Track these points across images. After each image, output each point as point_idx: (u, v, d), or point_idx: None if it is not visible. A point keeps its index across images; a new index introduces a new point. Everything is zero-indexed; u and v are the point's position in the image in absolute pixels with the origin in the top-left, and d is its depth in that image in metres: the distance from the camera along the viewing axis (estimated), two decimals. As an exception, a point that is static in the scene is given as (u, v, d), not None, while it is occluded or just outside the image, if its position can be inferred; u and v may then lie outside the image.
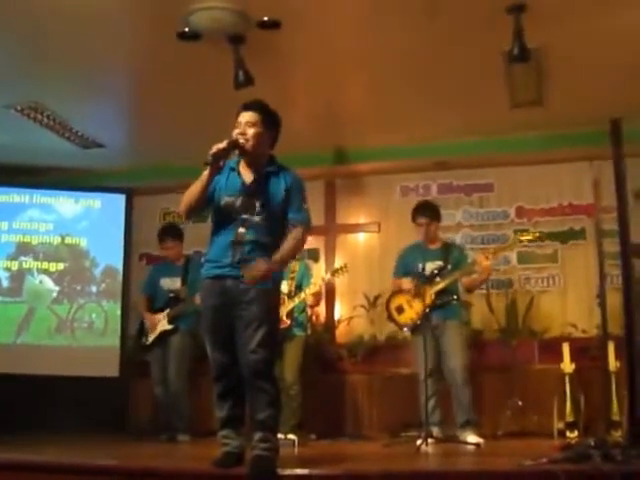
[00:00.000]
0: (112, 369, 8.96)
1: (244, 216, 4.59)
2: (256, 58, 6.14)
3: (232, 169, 4.72)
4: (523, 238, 7.07)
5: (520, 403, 7.38)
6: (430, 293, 6.69)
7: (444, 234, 7.64)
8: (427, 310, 6.66)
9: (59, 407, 8.36)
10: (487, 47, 6.25)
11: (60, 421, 8.04)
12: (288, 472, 4.42)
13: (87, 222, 9.39)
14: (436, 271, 6.74)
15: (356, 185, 8.94)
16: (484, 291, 8.08)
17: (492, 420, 7.30)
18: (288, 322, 7.14)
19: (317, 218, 8.88)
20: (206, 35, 5.92)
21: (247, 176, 4.71)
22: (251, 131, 4.59)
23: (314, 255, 8.84)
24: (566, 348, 7.27)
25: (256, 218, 4.59)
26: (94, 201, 9.44)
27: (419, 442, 5.77)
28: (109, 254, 9.37)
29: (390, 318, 7.04)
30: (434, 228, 7.05)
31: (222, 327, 4.59)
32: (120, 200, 9.42)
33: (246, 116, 4.63)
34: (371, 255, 8.79)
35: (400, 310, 6.91)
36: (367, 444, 7.11)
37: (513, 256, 8.39)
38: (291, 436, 6.73)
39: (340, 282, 8.50)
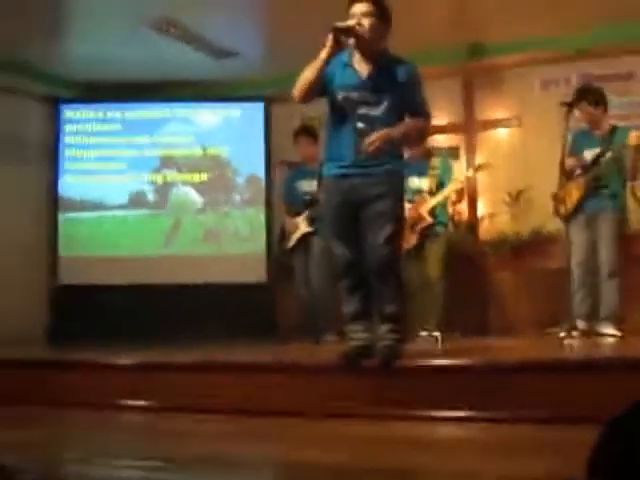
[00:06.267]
0: (259, 275, 9.15)
1: (362, 111, 4.55)
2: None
3: (346, 65, 4.63)
4: None
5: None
6: (585, 182, 6.50)
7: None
8: (580, 201, 6.50)
9: (209, 315, 8.55)
10: None
11: (211, 328, 8.22)
12: (425, 362, 4.49)
13: (227, 132, 9.48)
14: (593, 158, 6.49)
15: (494, 80, 8.66)
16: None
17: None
18: (430, 220, 7.09)
19: (455, 115, 8.78)
20: None
21: (363, 70, 4.62)
22: (367, 21, 4.48)
23: (454, 153, 8.67)
24: None
25: (375, 112, 4.54)
26: (233, 111, 9.53)
27: (562, 334, 5.74)
28: (250, 162, 9.47)
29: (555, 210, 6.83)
30: (598, 114, 6.66)
31: (347, 223, 4.64)
32: (259, 109, 9.46)
33: (361, 7, 4.52)
34: (512, 150, 8.52)
35: (561, 200, 6.68)
36: (512, 340, 7.06)
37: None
38: (435, 333, 6.76)
39: (482, 179, 8.39)
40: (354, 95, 4.57)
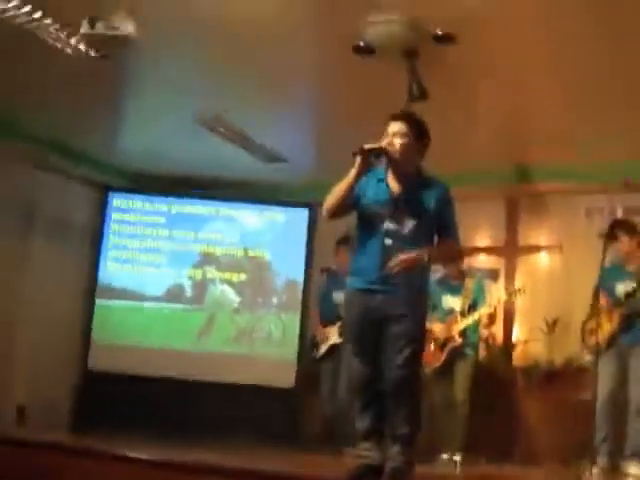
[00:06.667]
0: (288, 380, 9.09)
1: (390, 227, 4.50)
2: (431, 72, 6.00)
3: (380, 180, 4.62)
4: None
5: None
6: (619, 315, 6.44)
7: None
8: (614, 334, 6.44)
9: (234, 415, 8.50)
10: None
11: (235, 429, 8.14)
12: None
13: (270, 235, 9.59)
14: (628, 293, 6.45)
15: (538, 204, 8.64)
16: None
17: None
18: (460, 341, 7.04)
19: (497, 238, 8.74)
20: (380, 49, 5.88)
21: (395, 187, 4.60)
22: (399, 142, 4.49)
23: (494, 275, 8.65)
24: None
25: (404, 230, 4.49)
26: (277, 215, 9.64)
27: (582, 470, 5.62)
28: (291, 267, 9.53)
29: (583, 340, 6.79)
30: (633, 245, 6.64)
31: (367, 341, 4.53)
32: (303, 214, 9.55)
33: (395, 126, 4.53)
34: (553, 277, 8.45)
35: (590, 332, 6.55)
36: (533, 469, 6.88)
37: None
38: (456, 457, 6.65)
39: (520, 303, 8.30)
40: (383, 210, 4.53)
